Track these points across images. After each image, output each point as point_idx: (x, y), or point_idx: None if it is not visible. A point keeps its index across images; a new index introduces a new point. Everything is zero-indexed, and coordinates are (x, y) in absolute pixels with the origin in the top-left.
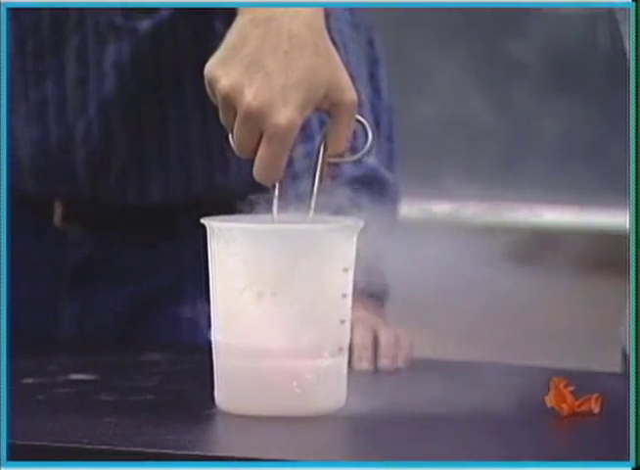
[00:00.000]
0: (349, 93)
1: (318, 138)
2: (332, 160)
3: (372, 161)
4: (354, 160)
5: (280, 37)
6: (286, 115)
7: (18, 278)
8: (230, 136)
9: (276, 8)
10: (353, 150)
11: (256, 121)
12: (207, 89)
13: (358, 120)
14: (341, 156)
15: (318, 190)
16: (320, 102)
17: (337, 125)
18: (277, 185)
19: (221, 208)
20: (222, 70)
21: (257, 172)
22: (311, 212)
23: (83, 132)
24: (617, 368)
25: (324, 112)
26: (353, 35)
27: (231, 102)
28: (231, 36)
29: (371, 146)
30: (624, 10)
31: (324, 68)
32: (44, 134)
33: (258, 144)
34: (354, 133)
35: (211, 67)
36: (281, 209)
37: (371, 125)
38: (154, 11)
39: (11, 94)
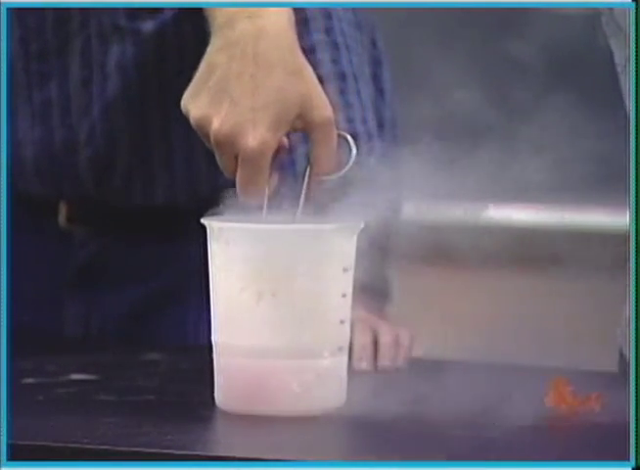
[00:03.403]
0: (322, 111)
1: None
2: (318, 178)
3: (374, 161)
4: (339, 176)
5: (245, 61)
6: (255, 137)
7: (23, 278)
8: None
9: (240, 31)
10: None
11: (228, 147)
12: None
13: (341, 135)
14: (326, 173)
15: (303, 208)
16: (294, 121)
17: (315, 144)
18: (265, 200)
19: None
20: (192, 102)
21: (239, 193)
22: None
23: (87, 133)
24: (615, 369)
25: (300, 131)
26: (356, 36)
27: (203, 132)
28: (201, 67)
29: (354, 161)
30: (614, 22)
31: (294, 86)
32: (48, 135)
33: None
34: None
35: (184, 100)
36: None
37: (365, 133)
38: (157, 12)
39: (15, 95)
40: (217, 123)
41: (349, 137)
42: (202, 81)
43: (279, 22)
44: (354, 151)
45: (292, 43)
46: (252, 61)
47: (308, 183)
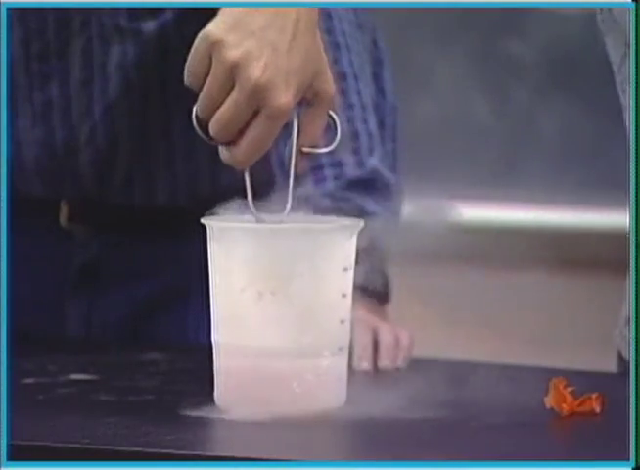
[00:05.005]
0: (331, 86)
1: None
2: (305, 149)
3: (375, 161)
4: (326, 151)
5: (287, 19)
6: (287, 96)
7: (24, 279)
8: (194, 117)
9: None
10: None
11: (259, 98)
12: (198, 50)
13: (328, 114)
14: (314, 146)
15: (294, 179)
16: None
17: (314, 115)
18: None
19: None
20: (231, 36)
21: (243, 153)
22: (289, 203)
23: (88, 133)
24: (613, 370)
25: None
26: (357, 36)
27: (236, 72)
28: (237, 9)
29: (340, 139)
30: (611, 17)
31: (316, 57)
32: (49, 136)
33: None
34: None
35: (218, 30)
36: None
37: (365, 133)
38: (158, 12)
39: (15, 96)
40: (259, 70)
41: (335, 116)
42: (242, 20)
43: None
44: (339, 129)
45: (317, 19)
46: (294, 21)
47: (296, 153)
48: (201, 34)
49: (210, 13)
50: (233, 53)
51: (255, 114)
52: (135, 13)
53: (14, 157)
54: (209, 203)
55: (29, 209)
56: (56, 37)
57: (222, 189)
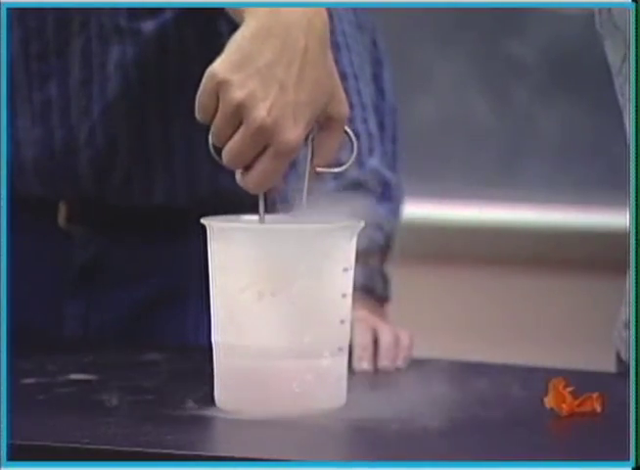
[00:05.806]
0: (345, 107)
1: None
2: (319, 169)
3: (375, 162)
4: (340, 171)
5: (296, 51)
6: (295, 132)
7: (23, 279)
8: (210, 142)
9: (289, 16)
10: (339, 161)
11: (266, 136)
12: (206, 88)
13: (345, 131)
14: (328, 166)
15: (306, 199)
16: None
17: (328, 137)
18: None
19: (226, 209)
20: (236, 76)
21: (254, 183)
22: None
23: (87, 134)
24: (613, 371)
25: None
26: (357, 36)
27: (243, 112)
28: (245, 41)
29: (355, 157)
30: (611, 21)
31: (328, 83)
32: (48, 136)
33: (256, 156)
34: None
35: (223, 70)
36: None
37: (365, 133)
38: (157, 12)
39: (15, 96)
40: (264, 110)
41: (352, 134)
42: (249, 58)
43: (323, 13)
44: (356, 147)
45: (328, 39)
46: (302, 53)
47: (310, 173)
48: (208, 72)
49: (210, 13)
50: (238, 94)
51: (266, 146)
52: (134, 13)
53: (13, 157)
54: (209, 203)
55: (28, 209)
56: (55, 37)
57: (221, 189)
